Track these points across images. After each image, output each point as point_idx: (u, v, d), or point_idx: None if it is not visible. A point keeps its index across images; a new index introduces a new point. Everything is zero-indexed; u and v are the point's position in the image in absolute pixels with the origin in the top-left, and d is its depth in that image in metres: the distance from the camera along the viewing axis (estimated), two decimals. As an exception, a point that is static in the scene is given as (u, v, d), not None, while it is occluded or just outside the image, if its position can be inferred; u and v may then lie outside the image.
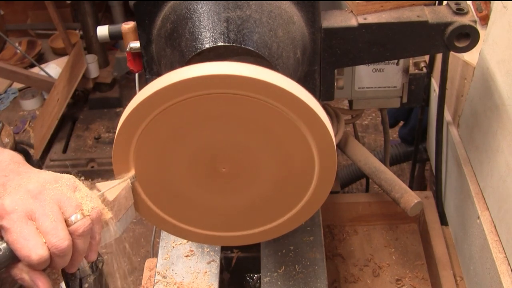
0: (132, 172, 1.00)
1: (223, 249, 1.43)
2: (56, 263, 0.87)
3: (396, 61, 1.52)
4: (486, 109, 1.41)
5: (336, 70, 1.22)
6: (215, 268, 1.37)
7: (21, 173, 0.92)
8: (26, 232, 0.84)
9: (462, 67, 1.61)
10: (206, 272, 1.36)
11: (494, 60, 1.36)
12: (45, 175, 0.91)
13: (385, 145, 1.87)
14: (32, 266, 0.85)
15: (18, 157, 0.96)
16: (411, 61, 1.62)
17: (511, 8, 1.27)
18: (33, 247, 0.84)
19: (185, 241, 1.43)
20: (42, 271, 0.88)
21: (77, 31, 3.87)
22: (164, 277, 1.35)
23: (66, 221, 0.87)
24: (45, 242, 0.85)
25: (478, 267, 1.44)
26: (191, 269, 1.37)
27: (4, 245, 0.85)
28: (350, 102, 1.64)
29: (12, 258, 0.85)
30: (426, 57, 1.66)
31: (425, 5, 1.19)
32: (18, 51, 3.79)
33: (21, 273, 0.87)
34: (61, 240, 0.85)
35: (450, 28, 1.14)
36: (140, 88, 0.95)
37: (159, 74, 1.13)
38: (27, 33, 4.16)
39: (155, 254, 1.55)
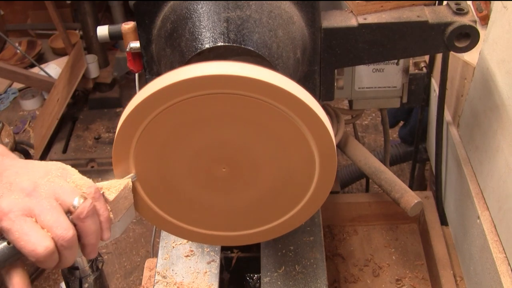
0: (132, 172, 1.00)
1: (223, 249, 1.43)
2: (65, 256, 0.87)
3: (396, 61, 1.52)
4: (486, 109, 1.41)
5: (336, 70, 1.22)
6: (215, 268, 1.37)
7: (7, 167, 0.91)
8: (26, 228, 0.84)
9: (462, 67, 1.60)
10: (206, 272, 1.35)
11: (494, 60, 1.36)
12: (33, 171, 0.90)
13: (385, 145, 1.87)
14: (40, 261, 0.85)
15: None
16: (411, 61, 1.62)
17: (511, 8, 1.27)
18: (36, 241, 0.84)
19: (185, 241, 1.42)
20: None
21: (77, 31, 3.87)
22: (164, 277, 1.35)
23: (68, 209, 0.87)
24: (51, 236, 0.84)
25: (478, 267, 1.44)
26: (191, 269, 1.37)
27: (7, 243, 0.85)
28: (350, 102, 1.64)
29: (18, 254, 0.85)
30: (426, 57, 1.66)
31: (425, 5, 1.18)
32: (18, 51, 3.79)
33: None
34: (66, 230, 0.85)
35: (450, 28, 1.14)
36: (140, 88, 0.95)
37: (159, 74, 1.13)
38: (27, 33, 4.15)
39: (155, 254, 1.55)
